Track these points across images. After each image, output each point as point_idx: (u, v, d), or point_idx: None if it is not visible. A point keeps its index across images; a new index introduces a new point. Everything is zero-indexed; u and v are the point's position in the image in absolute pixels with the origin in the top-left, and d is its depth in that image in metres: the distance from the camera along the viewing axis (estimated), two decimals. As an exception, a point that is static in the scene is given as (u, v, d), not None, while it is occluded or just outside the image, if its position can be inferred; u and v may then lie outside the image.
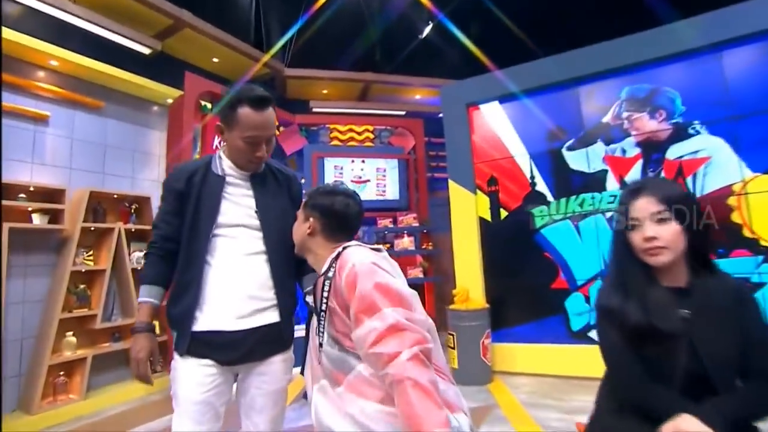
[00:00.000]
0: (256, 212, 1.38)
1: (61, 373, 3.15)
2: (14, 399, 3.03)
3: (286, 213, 1.44)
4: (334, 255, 1.10)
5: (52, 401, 3.07)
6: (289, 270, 1.44)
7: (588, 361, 3.40)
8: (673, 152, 3.37)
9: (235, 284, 1.31)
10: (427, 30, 6.53)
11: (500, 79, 4.09)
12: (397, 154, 5.40)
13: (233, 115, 1.31)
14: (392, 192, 5.25)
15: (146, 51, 3.69)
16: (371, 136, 5.50)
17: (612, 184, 3.63)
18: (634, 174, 3.53)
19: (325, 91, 5.53)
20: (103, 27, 3.37)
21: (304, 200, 1.25)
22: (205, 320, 1.27)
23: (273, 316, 1.34)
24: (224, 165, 1.40)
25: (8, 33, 2.97)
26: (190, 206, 1.34)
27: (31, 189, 3.10)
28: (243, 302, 1.30)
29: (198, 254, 1.31)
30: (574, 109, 3.86)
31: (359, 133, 5.43)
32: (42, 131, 3.32)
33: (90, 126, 3.58)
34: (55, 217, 3.17)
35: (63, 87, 3.40)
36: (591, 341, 3.51)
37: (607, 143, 3.67)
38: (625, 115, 3.61)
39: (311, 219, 1.20)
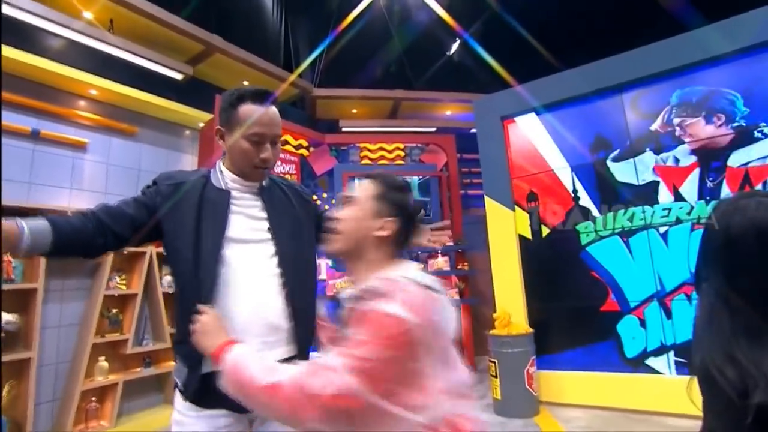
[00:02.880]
0: (269, 230, 1.21)
1: (93, 398, 3.11)
2: (48, 425, 3.01)
3: (300, 229, 1.29)
4: (386, 275, 0.84)
5: (83, 428, 3.03)
6: (307, 295, 1.26)
7: (650, 392, 3.07)
8: (736, 159, 3.05)
9: (252, 311, 1.12)
10: (455, 46, 6.46)
11: (536, 90, 3.91)
12: (428, 171, 5.26)
13: (234, 113, 1.19)
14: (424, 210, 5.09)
15: (179, 77, 3.76)
16: (402, 153, 5.39)
17: (665, 196, 3.32)
18: (689, 184, 3.23)
19: (354, 110, 5.50)
20: (138, 55, 3.47)
21: (376, 190, 0.96)
22: None
23: (290, 350, 1.17)
24: (226, 179, 1.23)
25: (52, 65, 3.09)
26: (188, 221, 1.14)
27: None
28: (262, 333, 1.12)
29: (207, 274, 1.10)
30: (619, 117, 3.61)
31: (390, 152, 5.33)
32: (80, 158, 3.40)
33: (125, 151, 3.66)
34: (90, 241, 3.21)
35: (101, 114, 3.50)
36: (650, 370, 3.17)
37: (658, 152, 3.39)
38: (676, 121, 3.33)
39: (387, 218, 0.91)
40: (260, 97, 1.20)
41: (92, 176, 3.45)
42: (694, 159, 3.23)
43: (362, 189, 0.98)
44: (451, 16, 5.76)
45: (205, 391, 1.05)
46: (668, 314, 3.18)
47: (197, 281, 1.11)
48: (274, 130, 1.22)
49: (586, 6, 5.78)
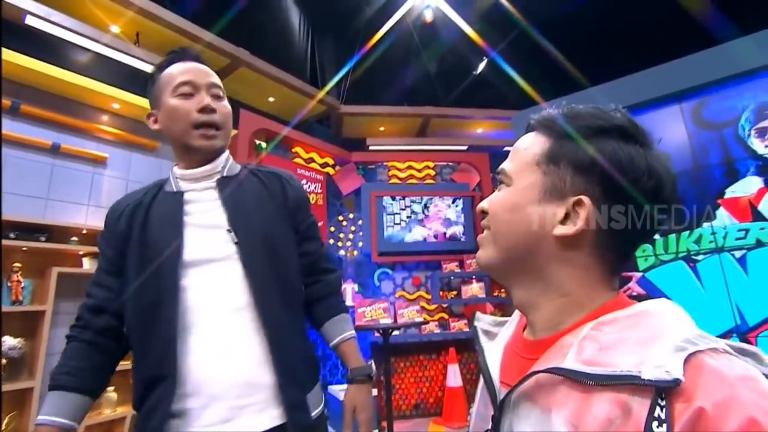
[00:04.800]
0: (228, 231, 0.89)
1: (99, 434, 2.85)
2: (49, 462, 2.74)
3: (276, 226, 0.95)
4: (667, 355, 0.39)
5: (86, 467, 2.75)
6: (293, 319, 0.92)
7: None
8: (829, 171, 2.63)
9: (217, 364, 0.82)
10: (484, 64, 6.24)
11: (579, 102, 3.59)
12: (461, 191, 4.96)
13: (157, 84, 0.98)
14: (457, 232, 4.75)
15: (204, 91, 3.63)
16: (432, 173, 5.12)
17: (740, 214, 2.91)
18: (769, 202, 2.81)
19: (382, 128, 5.30)
20: (163, 69, 3.35)
21: (544, 144, 0.54)
22: (189, 429, 0.80)
23: (277, 415, 0.82)
24: (177, 175, 0.98)
25: (75, 78, 2.99)
26: (135, 249, 0.90)
27: (84, 232, 2.98)
28: (233, 394, 0.81)
29: (160, 324, 0.83)
30: (678, 128, 3.25)
31: (419, 170, 5.07)
32: (100, 173, 3.27)
33: (145, 167, 3.52)
34: (104, 261, 3.02)
35: (122, 129, 3.38)
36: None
37: (728, 165, 3.00)
38: (750, 131, 2.94)
39: (576, 197, 0.49)
40: (177, 54, 0.99)
41: (111, 192, 3.29)
42: (773, 173, 2.83)
43: (521, 148, 0.56)
44: (481, 32, 5.57)
45: None
46: (754, 353, 2.71)
47: (152, 330, 0.84)
48: (206, 78, 0.96)
49: (622, 18, 5.50)
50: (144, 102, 3.31)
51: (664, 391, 0.37)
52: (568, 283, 0.50)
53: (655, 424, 0.36)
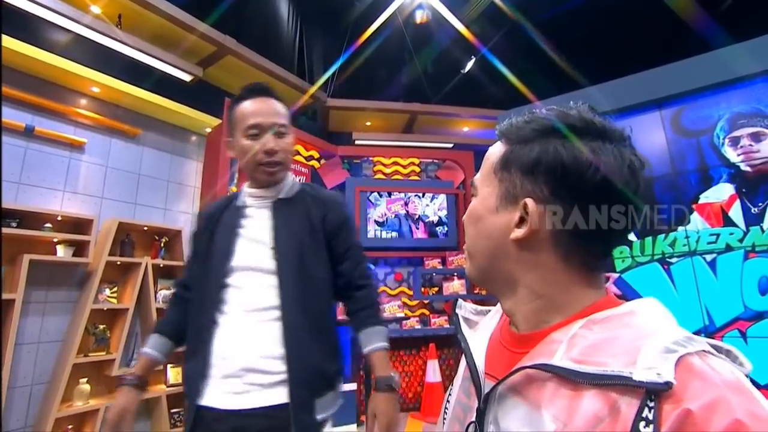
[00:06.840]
0: (272, 249, 1.08)
1: (70, 426, 2.77)
2: (17, 455, 2.66)
3: (308, 249, 1.11)
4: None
5: (56, 460, 2.67)
6: (314, 330, 1.06)
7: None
8: (796, 181, 2.75)
9: (235, 351, 1.03)
10: (470, 64, 6.28)
11: (563, 105, 3.66)
12: (445, 188, 4.99)
13: (233, 117, 1.16)
14: (440, 229, 4.79)
15: (187, 78, 3.55)
16: (417, 169, 5.13)
17: (711, 219, 3.02)
18: (740, 208, 2.92)
19: (368, 123, 5.28)
20: (146, 53, 3.26)
21: (499, 152, 0.54)
22: (209, 393, 1.01)
23: (278, 395, 0.98)
24: (245, 192, 1.20)
25: (52, 58, 2.87)
26: (203, 249, 1.17)
27: (59, 219, 2.88)
28: (247, 374, 0.99)
29: (206, 309, 1.08)
30: (657, 134, 3.34)
31: (404, 166, 5.07)
32: (77, 158, 3.16)
33: (125, 154, 3.41)
34: (80, 249, 2.93)
35: (102, 114, 3.28)
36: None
37: (703, 172, 3.10)
38: (724, 139, 3.05)
39: (525, 201, 0.49)
40: (254, 91, 1.15)
41: (88, 179, 3.19)
42: (744, 180, 2.94)
43: (486, 158, 0.56)
44: (470, 30, 5.59)
45: (199, 424, 1.00)
46: (720, 353, 2.82)
47: (198, 313, 1.10)
48: (271, 119, 1.12)
49: (608, 23, 5.61)
50: (125, 86, 3.23)
51: (654, 393, 0.37)
52: (539, 285, 0.50)
53: (642, 424, 0.36)
